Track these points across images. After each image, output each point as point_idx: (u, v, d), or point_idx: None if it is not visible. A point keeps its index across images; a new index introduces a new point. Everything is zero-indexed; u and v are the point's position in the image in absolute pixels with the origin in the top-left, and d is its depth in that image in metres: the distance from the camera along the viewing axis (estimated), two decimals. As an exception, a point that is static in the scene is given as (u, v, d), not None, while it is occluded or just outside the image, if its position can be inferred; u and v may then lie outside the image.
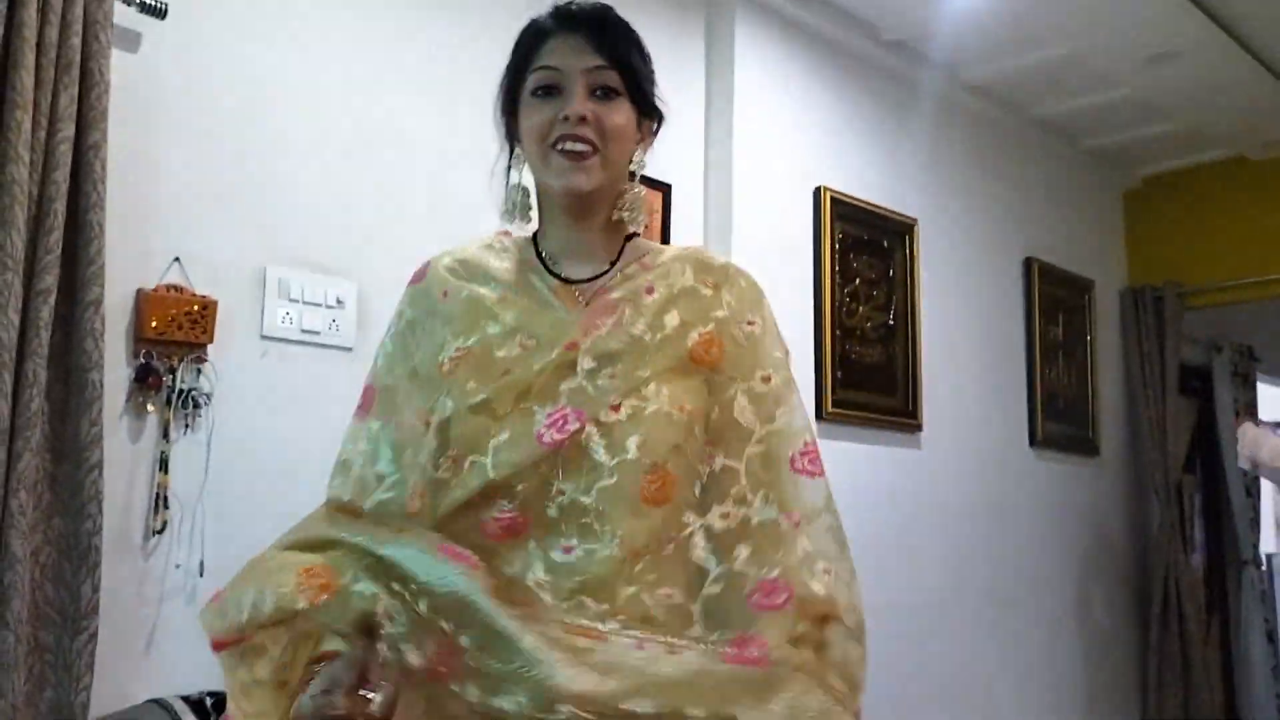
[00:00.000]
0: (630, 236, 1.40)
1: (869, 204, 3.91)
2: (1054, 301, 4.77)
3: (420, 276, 1.39)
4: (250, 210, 2.50)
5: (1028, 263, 4.65)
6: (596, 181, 1.30)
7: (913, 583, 3.91)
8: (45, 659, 2.06)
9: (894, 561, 3.84)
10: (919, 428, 4.01)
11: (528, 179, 1.39)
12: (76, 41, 2.13)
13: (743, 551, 1.23)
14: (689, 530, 1.23)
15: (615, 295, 1.30)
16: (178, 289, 2.34)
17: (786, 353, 1.41)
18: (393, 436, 1.31)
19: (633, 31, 1.34)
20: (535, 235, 1.41)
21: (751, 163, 3.57)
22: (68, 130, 2.10)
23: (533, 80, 1.30)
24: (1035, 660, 4.46)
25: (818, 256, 3.72)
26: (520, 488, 1.21)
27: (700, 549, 1.23)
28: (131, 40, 2.34)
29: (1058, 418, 4.72)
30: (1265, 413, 5.75)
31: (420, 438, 1.28)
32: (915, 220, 4.07)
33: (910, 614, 3.88)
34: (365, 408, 1.37)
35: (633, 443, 1.21)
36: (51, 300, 2.05)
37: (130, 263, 2.28)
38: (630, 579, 1.19)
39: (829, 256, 3.73)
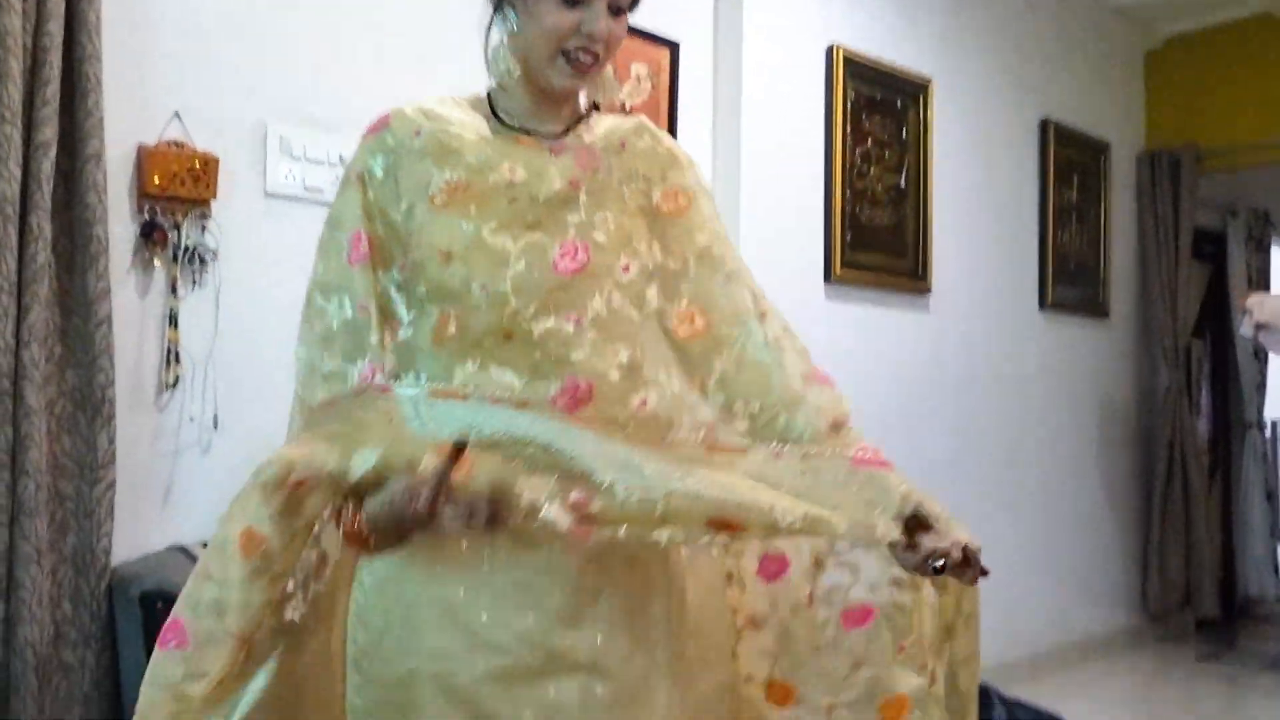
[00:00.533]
0: (589, 105, 1.45)
1: (882, 63, 3.82)
2: (1069, 164, 4.70)
3: (383, 124, 1.39)
4: (250, 65, 2.47)
5: (1044, 125, 4.57)
6: (590, 83, 1.39)
7: (919, 445, 3.95)
8: (66, 506, 2.13)
9: (901, 424, 3.88)
10: (928, 290, 4.00)
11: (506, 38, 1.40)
12: (64, -115, 2.08)
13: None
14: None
15: (596, 144, 1.39)
16: (179, 145, 2.33)
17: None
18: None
19: None
20: (489, 93, 1.44)
21: (762, 20, 3.48)
22: (59, -21, 2.06)
23: None
24: (1040, 521, 4.54)
25: (829, 117, 3.65)
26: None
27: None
28: (120, -115, 2.28)
29: (1069, 281, 4.70)
30: (1277, 275, 5.73)
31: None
32: (930, 80, 3.99)
33: (916, 475, 3.93)
34: (366, 256, 1.35)
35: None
36: (52, 154, 2.05)
37: (130, 117, 2.26)
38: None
39: (840, 117, 3.66)
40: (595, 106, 1.46)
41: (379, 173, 1.36)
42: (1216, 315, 5.58)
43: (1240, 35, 4.99)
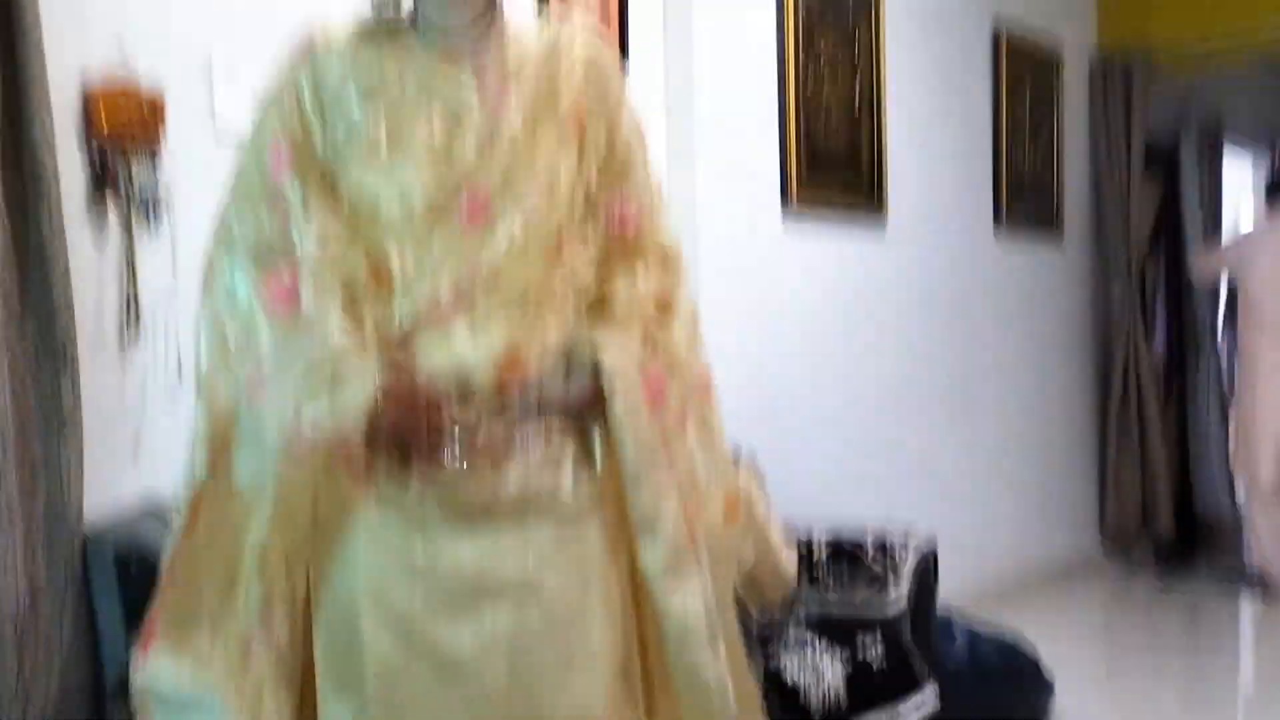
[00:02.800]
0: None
1: (832, -22, 3.76)
2: (1020, 78, 4.68)
3: (306, 55, 1.41)
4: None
5: (995, 36, 4.54)
6: None
7: (877, 371, 3.99)
8: (34, 463, 2.05)
9: (858, 352, 3.91)
10: (884, 212, 3.99)
11: None
12: None
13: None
14: None
15: (508, 67, 1.40)
16: (125, 87, 2.22)
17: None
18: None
19: None
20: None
21: (712, -66, 3.41)
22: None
23: None
24: (998, 444, 4.60)
25: (781, 33, 3.59)
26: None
27: None
28: None
29: (1022, 199, 4.72)
30: (1230, 190, 5.79)
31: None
32: (880, -8, 3.93)
33: (875, 402, 3.97)
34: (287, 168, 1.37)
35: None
36: (-7, 92, 1.95)
37: (72, 50, 2.15)
38: None
39: (793, 34, 3.60)
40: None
41: (306, 93, 1.38)
42: (1171, 232, 5.61)
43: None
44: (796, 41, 3.62)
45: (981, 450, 4.51)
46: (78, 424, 2.06)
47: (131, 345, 2.27)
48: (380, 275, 1.36)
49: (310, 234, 1.35)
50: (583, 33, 1.48)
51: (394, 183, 1.34)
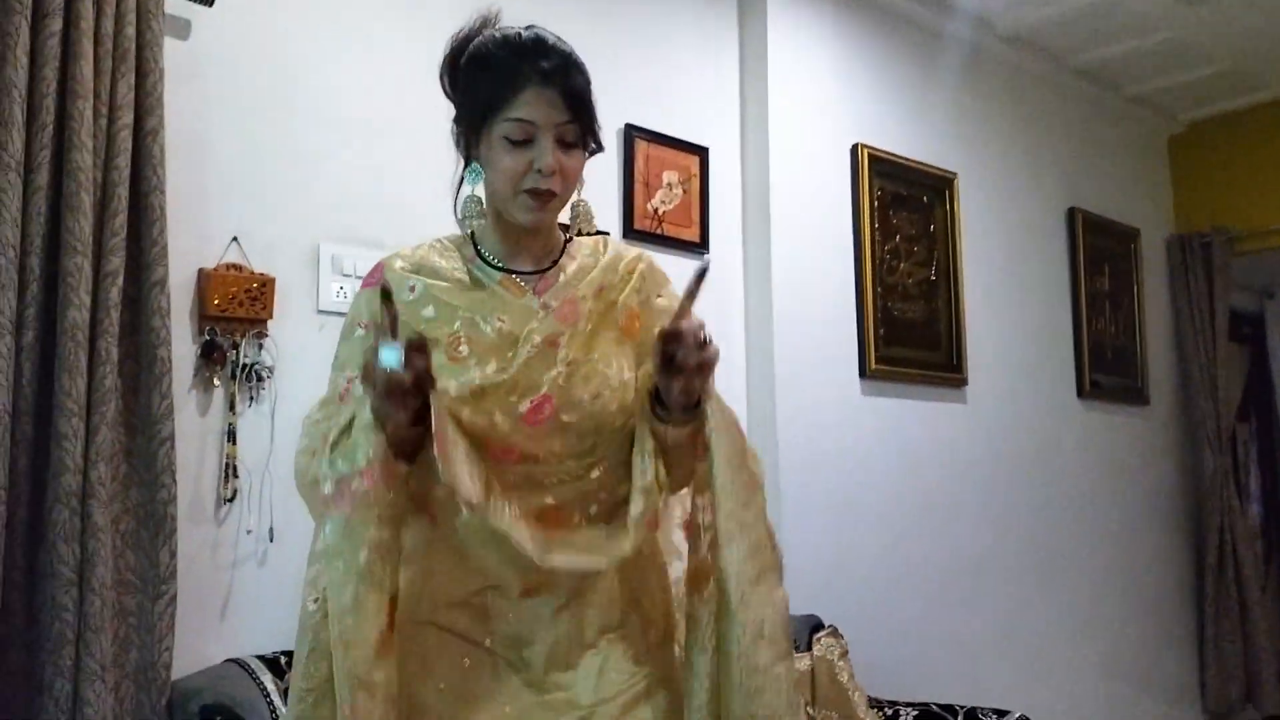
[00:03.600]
0: (567, 237, 1.58)
1: (907, 159, 3.92)
2: (1099, 251, 4.75)
3: (377, 278, 1.49)
4: (302, 189, 2.59)
5: (1071, 213, 4.64)
6: (555, 216, 1.51)
7: (960, 540, 3.94)
8: (129, 622, 2.18)
9: (940, 519, 3.88)
10: (964, 382, 4.03)
11: (477, 188, 1.52)
12: (131, 31, 2.22)
13: None
14: None
15: (577, 293, 1.49)
16: (237, 268, 2.44)
17: None
18: None
19: (586, 72, 1.48)
20: (472, 234, 1.55)
21: (787, 122, 3.60)
22: (127, 118, 2.19)
23: (509, 128, 1.43)
24: (1088, 615, 4.47)
25: (856, 214, 3.74)
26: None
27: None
28: (181, 28, 2.43)
29: (1106, 369, 4.71)
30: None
31: None
32: (955, 174, 4.08)
33: (958, 572, 3.92)
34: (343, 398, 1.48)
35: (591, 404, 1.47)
36: (119, 281, 2.15)
37: (191, 243, 2.38)
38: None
39: (868, 214, 3.75)
40: (569, 234, 1.56)
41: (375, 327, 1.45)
42: (1261, 397, 5.53)
43: (1262, 119, 5.07)
44: (872, 220, 3.76)
45: (1072, 620, 4.38)
46: (173, 586, 2.18)
47: (227, 510, 2.41)
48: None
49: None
50: (631, 250, 1.59)
51: (463, 382, 1.42)
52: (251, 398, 2.44)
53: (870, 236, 3.75)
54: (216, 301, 2.38)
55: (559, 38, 1.48)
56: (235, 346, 2.42)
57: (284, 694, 2.23)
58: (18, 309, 2.05)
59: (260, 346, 2.46)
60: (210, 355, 2.37)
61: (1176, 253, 5.16)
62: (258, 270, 2.46)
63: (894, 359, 3.78)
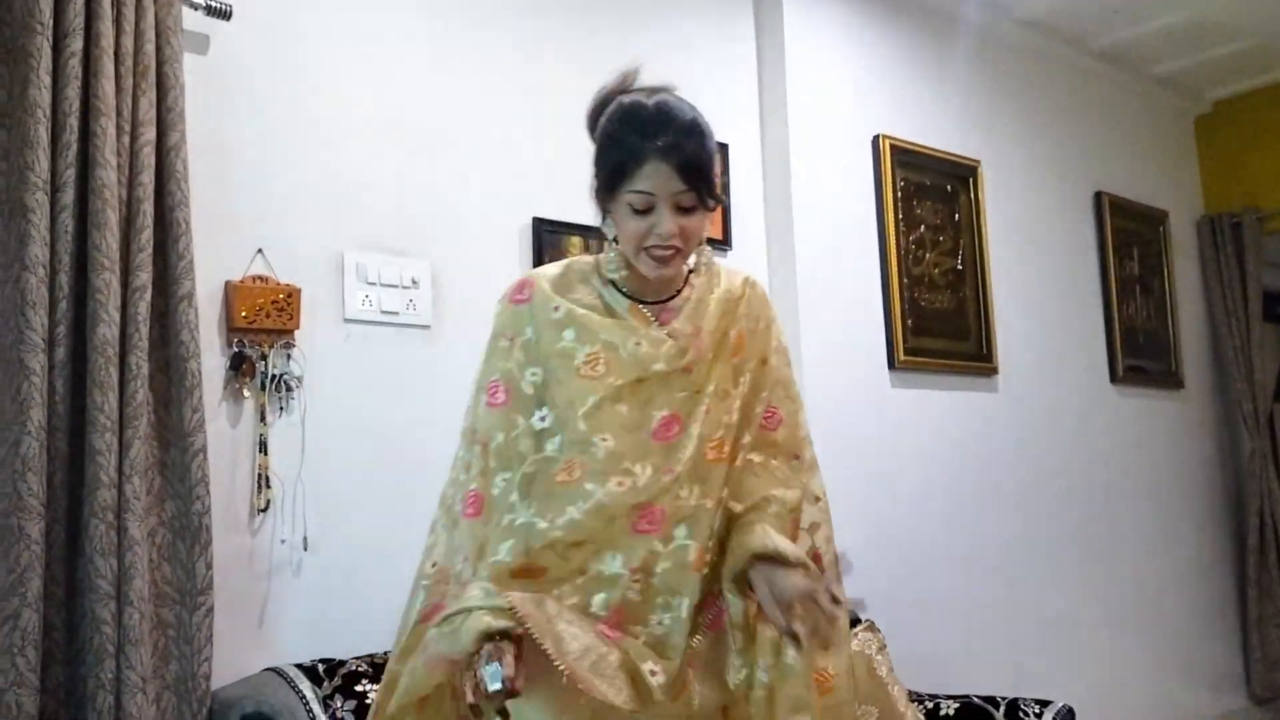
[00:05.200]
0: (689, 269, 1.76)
1: (930, 149, 3.89)
2: (1128, 235, 4.70)
3: (526, 296, 1.70)
4: (325, 199, 2.60)
5: (1098, 197, 4.59)
6: (677, 270, 1.70)
7: (994, 529, 3.90)
8: (168, 634, 2.19)
9: (974, 508, 3.85)
10: (994, 371, 3.99)
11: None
12: (150, 48, 2.24)
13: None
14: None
15: (702, 327, 1.69)
16: (263, 279, 2.45)
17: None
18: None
19: (707, 141, 1.65)
20: (600, 261, 1.74)
21: (807, 116, 3.58)
22: (149, 134, 2.21)
23: (632, 198, 1.61)
24: (1128, 602, 4.42)
25: (880, 205, 3.72)
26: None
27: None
28: (200, 43, 2.45)
29: (1138, 353, 4.66)
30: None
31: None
32: (978, 162, 4.04)
33: (995, 562, 3.88)
34: (506, 403, 1.67)
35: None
36: (148, 296, 2.17)
37: (216, 256, 2.39)
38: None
39: (891, 204, 3.72)
40: (692, 271, 1.74)
41: (529, 334, 1.67)
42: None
43: (1289, 96, 5.00)
44: (896, 211, 3.73)
45: (1111, 608, 4.33)
46: (210, 597, 2.20)
47: (261, 520, 2.42)
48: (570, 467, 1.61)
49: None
50: (738, 276, 1.78)
51: (599, 390, 1.61)
52: (281, 408, 2.46)
53: (895, 228, 3.72)
54: (244, 313, 2.39)
55: (682, 103, 1.66)
56: (264, 357, 2.43)
57: (323, 701, 2.24)
58: (49, 326, 2.07)
59: (288, 357, 2.47)
60: (239, 367, 2.39)
61: (1206, 234, 5.09)
62: (283, 281, 2.47)
63: (922, 350, 3.76)
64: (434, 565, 1.66)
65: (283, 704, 2.22)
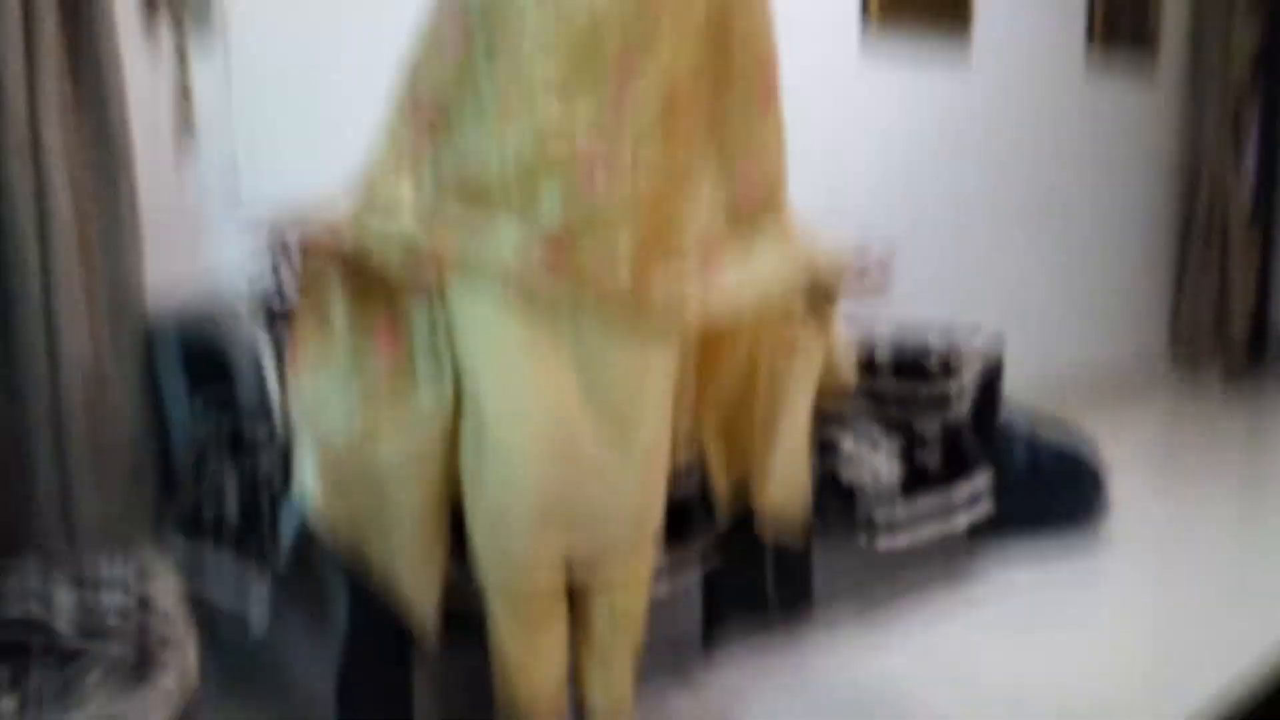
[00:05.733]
0: None
1: None
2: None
3: None
4: None
5: None
6: None
7: (954, 185, 3.93)
8: (91, 245, 2.09)
9: (943, 174, 3.83)
10: (969, 34, 3.84)
11: None
12: None
13: None
14: None
15: None
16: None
17: None
18: None
19: None
20: None
21: None
22: None
23: None
24: (1073, 252, 4.55)
25: None
26: None
27: None
28: None
29: (1117, 18, 4.49)
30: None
31: None
32: None
33: (948, 214, 3.93)
34: None
35: None
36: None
37: None
38: None
39: None
40: None
41: None
42: (1270, 67, 5.29)
43: None
44: None
45: (1057, 257, 4.47)
46: (134, 210, 2.12)
47: (189, 148, 2.33)
48: None
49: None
50: None
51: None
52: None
53: None
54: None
55: None
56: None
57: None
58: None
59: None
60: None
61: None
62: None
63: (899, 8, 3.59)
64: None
65: (221, 329, 2.19)
